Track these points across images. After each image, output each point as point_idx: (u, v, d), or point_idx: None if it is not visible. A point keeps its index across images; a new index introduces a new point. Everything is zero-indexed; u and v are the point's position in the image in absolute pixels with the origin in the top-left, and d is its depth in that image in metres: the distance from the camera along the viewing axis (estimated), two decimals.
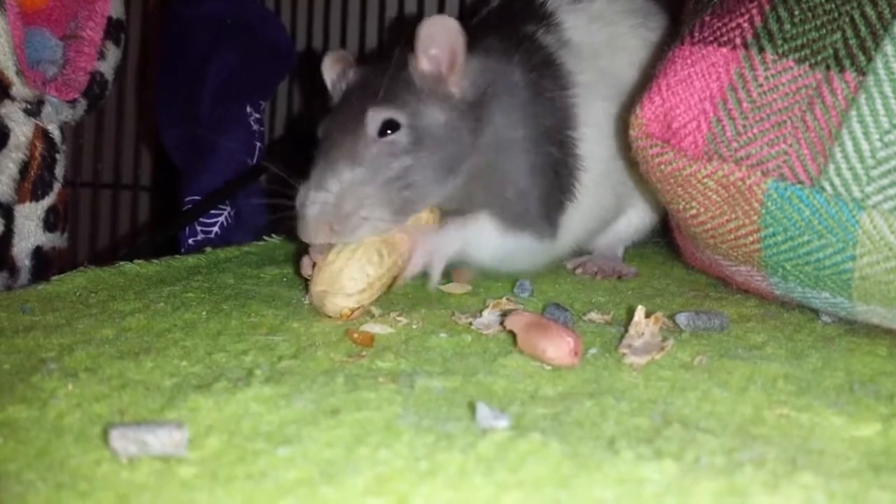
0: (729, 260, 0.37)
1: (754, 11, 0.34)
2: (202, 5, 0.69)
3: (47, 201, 0.55)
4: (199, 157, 0.62)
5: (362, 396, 0.26)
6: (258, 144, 0.64)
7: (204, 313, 0.36)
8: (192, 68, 0.65)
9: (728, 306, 0.40)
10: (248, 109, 0.65)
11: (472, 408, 0.25)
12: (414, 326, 0.35)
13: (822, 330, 0.36)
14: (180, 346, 0.32)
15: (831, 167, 0.31)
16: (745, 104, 0.33)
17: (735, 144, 0.33)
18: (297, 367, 0.29)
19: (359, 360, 0.30)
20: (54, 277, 0.41)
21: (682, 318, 0.36)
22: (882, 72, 0.31)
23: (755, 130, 0.33)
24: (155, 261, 0.45)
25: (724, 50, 0.34)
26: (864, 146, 0.30)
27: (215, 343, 0.32)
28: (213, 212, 0.60)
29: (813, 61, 0.32)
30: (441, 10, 1.06)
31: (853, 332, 0.35)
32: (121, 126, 1.24)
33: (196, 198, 0.61)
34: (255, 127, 0.66)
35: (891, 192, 0.30)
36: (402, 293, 0.41)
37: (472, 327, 0.35)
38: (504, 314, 0.35)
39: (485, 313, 0.36)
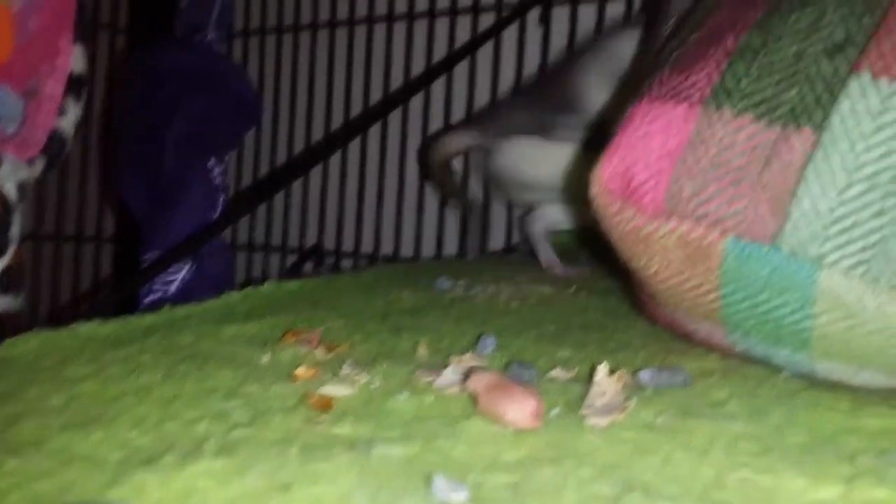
0: (690, 317, 0.37)
1: (712, 68, 0.35)
2: (166, 56, 0.69)
3: (0, 264, 0.54)
4: (161, 211, 0.61)
5: (317, 468, 0.26)
6: (221, 198, 0.64)
7: (159, 377, 0.36)
8: (154, 120, 0.64)
9: (691, 360, 0.40)
10: (212, 163, 0.65)
11: (430, 479, 0.25)
12: (374, 386, 0.35)
13: (783, 384, 0.36)
14: (131, 415, 0.31)
15: (789, 225, 0.31)
16: (703, 162, 0.33)
17: (694, 202, 0.33)
18: (251, 437, 0.29)
19: (316, 427, 0.30)
20: (6, 341, 0.40)
21: (644, 376, 0.36)
22: (838, 129, 0.31)
23: (713, 188, 0.33)
24: (111, 321, 0.44)
25: (683, 107, 0.35)
26: (822, 204, 0.31)
27: (168, 410, 0.31)
28: (172, 268, 0.59)
29: (770, 118, 0.33)
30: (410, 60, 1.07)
31: (815, 387, 0.35)
32: (84, 177, 1.23)
33: (155, 253, 0.60)
34: (219, 180, 0.65)
35: (848, 250, 0.30)
36: (364, 344, 0.41)
37: (434, 387, 0.34)
38: (467, 372, 0.35)
39: (446, 371, 0.35)
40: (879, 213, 0.30)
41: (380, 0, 1.09)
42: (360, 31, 1.11)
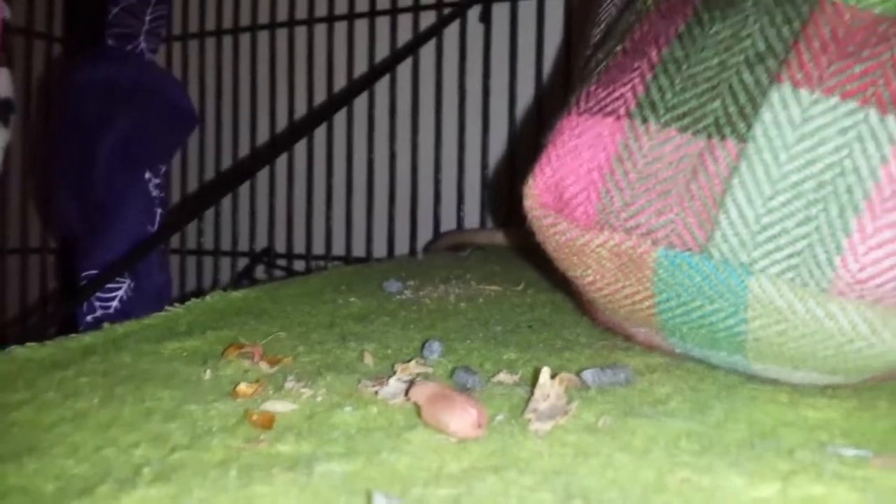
0: (629, 322, 0.37)
1: (637, 81, 0.35)
2: (96, 70, 0.67)
3: None
4: (96, 227, 0.60)
5: (255, 491, 0.25)
6: (158, 211, 0.62)
7: (96, 401, 0.35)
8: (85, 135, 0.63)
9: (635, 356, 0.40)
10: (147, 176, 0.63)
11: (371, 496, 0.24)
12: (318, 399, 0.34)
13: (724, 378, 0.36)
14: (68, 443, 0.30)
15: (718, 234, 0.31)
16: (631, 174, 0.34)
17: (624, 214, 0.33)
18: (190, 460, 0.28)
19: (257, 446, 0.29)
20: None
21: (587, 376, 0.36)
22: (761, 139, 0.31)
23: (643, 200, 0.33)
24: (48, 343, 0.43)
25: (609, 120, 0.35)
26: (749, 213, 0.31)
27: (105, 436, 0.31)
28: (111, 285, 0.58)
29: (695, 130, 0.33)
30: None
31: (755, 379, 0.36)
32: (25, 189, 1.20)
33: (94, 272, 0.59)
34: (155, 193, 0.64)
35: (776, 256, 0.30)
36: (309, 355, 0.40)
37: (379, 397, 0.34)
38: (413, 379, 0.35)
39: (391, 381, 0.35)
40: (805, 221, 0.30)
41: (319, 1, 1.08)
42: (301, 33, 1.10)
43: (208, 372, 0.38)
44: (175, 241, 1.15)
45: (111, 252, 0.56)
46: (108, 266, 0.56)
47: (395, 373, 0.36)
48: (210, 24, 1.17)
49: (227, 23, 1.15)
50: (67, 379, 0.38)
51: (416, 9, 1.01)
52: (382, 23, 1.04)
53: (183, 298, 0.52)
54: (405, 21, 1.02)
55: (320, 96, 1.08)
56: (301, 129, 1.03)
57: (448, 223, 0.99)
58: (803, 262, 0.30)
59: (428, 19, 1.00)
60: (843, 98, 0.30)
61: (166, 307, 0.50)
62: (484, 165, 0.97)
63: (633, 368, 0.37)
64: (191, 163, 1.16)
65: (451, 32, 0.98)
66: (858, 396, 0.33)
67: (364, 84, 0.98)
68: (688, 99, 0.33)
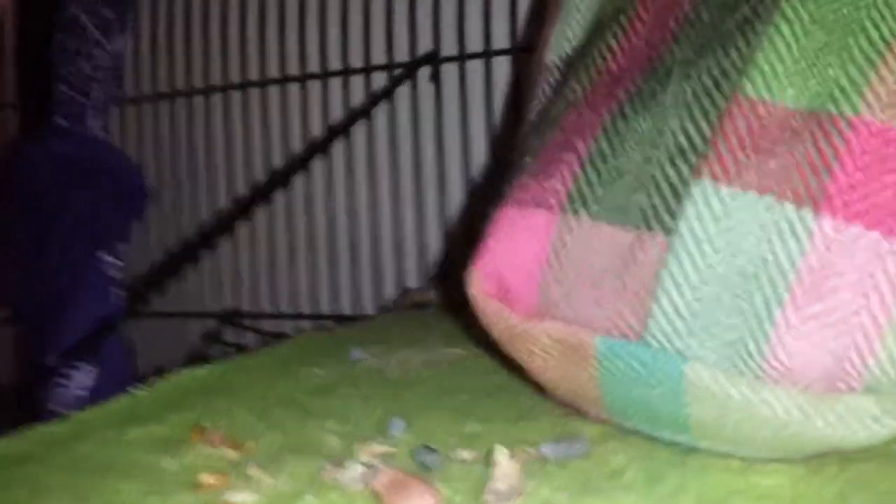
0: (578, 402, 0.38)
1: (567, 174, 0.36)
2: (50, 144, 0.67)
3: None
4: (51, 310, 0.60)
5: None
6: (115, 292, 0.63)
7: (66, 498, 0.35)
8: (39, 214, 0.63)
9: (591, 424, 0.41)
10: (103, 256, 0.64)
11: None
12: (280, 488, 0.35)
13: (678, 445, 0.37)
14: None
15: (652, 323, 0.33)
16: (567, 266, 0.35)
17: (563, 305, 0.35)
18: None
19: None
20: None
21: (545, 450, 0.37)
22: (686, 233, 0.33)
23: (579, 291, 0.35)
24: (13, 436, 0.43)
25: (543, 212, 0.36)
26: (680, 302, 0.32)
27: None
28: (71, 370, 0.58)
29: (624, 222, 0.34)
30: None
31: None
32: None
33: (52, 357, 0.59)
34: (111, 273, 0.64)
35: (710, 345, 0.32)
36: (271, 436, 0.41)
37: (340, 483, 0.35)
38: (373, 462, 0.36)
39: (351, 466, 0.36)
40: (734, 312, 0.31)
41: (271, 63, 1.10)
42: (255, 94, 1.11)
43: (171, 460, 0.38)
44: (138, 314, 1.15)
45: (69, 336, 0.56)
46: (69, 349, 0.56)
47: (355, 454, 0.37)
48: (163, 86, 1.18)
49: (181, 84, 1.16)
50: (33, 475, 0.38)
51: (367, 70, 1.03)
52: (335, 83, 1.06)
53: (154, 366, 0.53)
54: (357, 81, 1.04)
55: (277, 157, 1.09)
56: (260, 190, 1.04)
57: (412, 278, 1.01)
58: (735, 351, 0.31)
59: (380, 80, 1.02)
60: (761, 193, 0.32)
61: (129, 388, 0.50)
62: (442, 220, 0.99)
63: (589, 438, 0.38)
64: (151, 226, 1.16)
65: (404, 93, 1.00)
66: (806, 463, 0.34)
67: (320, 146, 0.99)
68: (615, 192, 0.35)
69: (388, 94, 0.99)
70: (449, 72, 0.99)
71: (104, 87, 0.74)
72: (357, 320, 1.01)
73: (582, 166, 0.36)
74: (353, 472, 0.35)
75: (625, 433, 0.39)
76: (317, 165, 1.05)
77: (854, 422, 0.30)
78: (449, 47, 0.99)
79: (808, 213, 0.31)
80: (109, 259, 0.63)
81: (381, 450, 0.37)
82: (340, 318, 1.05)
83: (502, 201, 0.39)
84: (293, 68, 1.08)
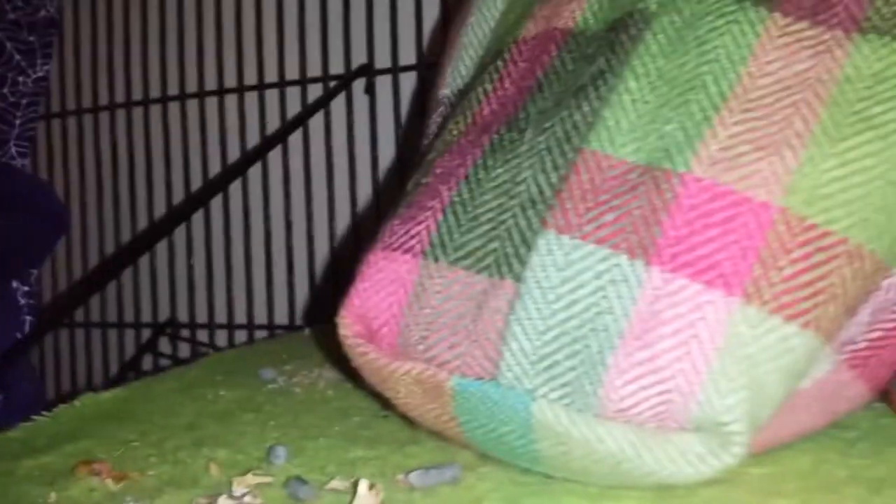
0: (446, 437, 0.40)
1: (430, 220, 0.38)
2: None
3: None
4: None
5: None
6: (27, 319, 0.64)
7: None
8: None
9: (464, 449, 0.43)
10: (15, 285, 0.64)
11: None
12: None
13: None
14: None
15: (503, 364, 0.35)
16: (426, 310, 0.37)
17: (421, 347, 0.37)
18: None
19: None
20: None
21: (413, 478, 0.39)
22: (532, 281, 0.35)
23: (436, 336, 0.36)
24: None
25: (407, 257, 0.38)
26: (527, 346, 0.34)
27: None
28: None
29: (478, 269, 0.36)
30: None
31: None
32: None
33: None
34: (24, 301, 0.65)
35: (553, 384, 0.34)
36: (157, 468, 0.42)
37: None
38: (250, 490, 0.37)
39: (223, 498, 0.37)
40: (573, 355, 0.33)
41: (209, 74, 1.10)
42: (192, 106, 1.11)
43: (53, 495, 0.40)
44: (80, 314, 1.15)
45: None
46: None
47: (232, 486, 0.38)
48: (103, 100, 1.18)
49: (120, 97, 1.17)
50: None
51: (302, 82, 1.04)
52: (271, 95, 1.07)
53: (89, 377, 0.53)
54: (294, 93, 1.05)
55: (214, 167, 1.10)
56: (197, 198, 1.04)
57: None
58: (574, 390, 0.33)
59: (315, 91, 1.04)
60: (599, 244, 0.34)
61: (34, 415, 0.51)
62: (377, 230, 1.00)
63: (464, 464, 0.40)
64: (90, 236, 1.17)
65: (339, 104, 1.01)
66: (658, 490, 0.36)
67: (257, 155, 1.00)
68: (472, 239, 0.37)
69: (323, 104, 1.00)
70: (383, 84, 1.00)
71: (28, 114, 0.74)
72: (292, 330, 1.02)
73: (444, 213, 0.38)
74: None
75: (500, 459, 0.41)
76: (254, 176, 1.06)
77: (680, 459, 0.32)
78: (383, 60, 1.01)
79: (639, 265, 0.33)
80: (22, 287, 0.64)
81: (257, 480, 0.39)
82: (274, 329, 1.06)
83: (373, 244, 0.40)
84: (231, 80, 1.09)
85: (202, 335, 1.10)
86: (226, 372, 0.63)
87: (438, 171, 0.41)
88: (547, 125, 0.38)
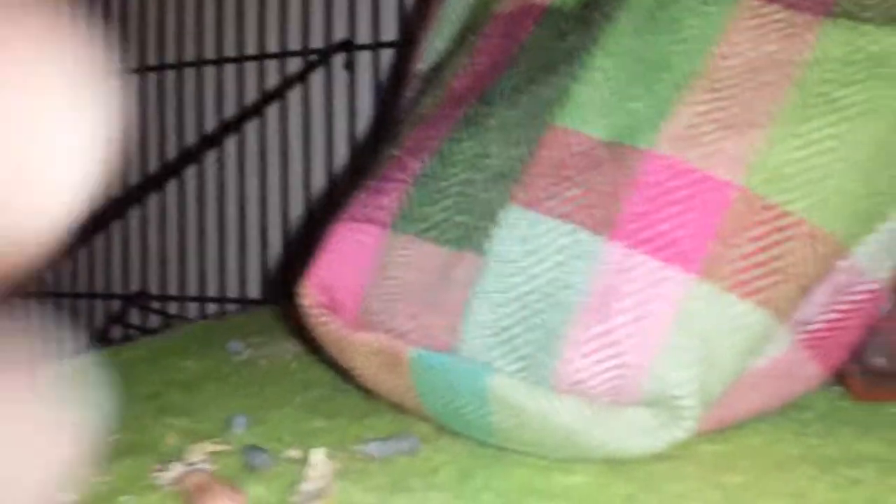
0: (406, 407, 0.40)
1: (397, 192, 0.38)
2: None
3: None
4: None
5: None
6: None
7: None
8: None
9: (427, 421, 0.43)
10: None
11: None
12: (100, 488, 0.36)
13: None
14: None
15: (462, 337, 0.35)
16: (389, 282, 0.37)
17: (382, 317, 0.37)
18: None
19: None
20: None
21: (371, 448, 0.39)
22: (494, 254, 0.35)
23: (398, 306, 0.36)
24: None
25: (373, 228, 0.38)
26: (487, 319, 0.34)
27: None
28: None
29: (443, 241, 0.36)
30: None
31: None
32: None
33: None
34: None
35: (511, 357, 0.34)
36: (120, 434, 0.42)
37: (159, 483, 0.36)
38: (201, 461, 0.37)
39: (175, 465, 0.37)
40: (532, 328, 0.33)
41: (188, 45, 1.09)
42: (170, 76, 1.10)
43: None
44: (50, 283, 1.15)
45: None
46: None
47: (187, 454, 0.38)
48: None
49: None
50: None
51: (282, 55, 1.03)
52: (251, 68, 1.06)
53: (61, 349, 0.53)
54: (272, 67, 1.05)
55: (191, 138, 1.09)
56: (172, 168, 1.04)
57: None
58: (531, 364, 0.33)
59: (294, 65, 1.03)
60: (561, 219, 0.34)
61: None
62: None
63: (421, 436, 0.40)
64: None
65: (318, 79, 1.01)
66: (608, 463, 0.36)
67: (234, 125, 0.99)
68: (437, 212, 0.37)
69: (301, 78, 0.99)
70: (363, 59, 1.00)
71: None
72: (264, 304, 1.02)
73: (412, 185, 0.38)
74: (175, 471, 0.36)
75: (457, 431, 0.42)
76: (230, 148, 1.05)
77: (631, 432, 0.32)
78: (363, 36, 1.00)
79: (600, 240, 0.33)
80: None
81: (213, 448, 0.39)
82: (246, 303, 1.06)
83: (339, 216, 0.40)
84: (210, 52, 1.08)
85: (173, 307, 1.10)
86: (192, 344, 0.63)
87: (408, 144, 0.41)
88: (518, 100, 0.38)
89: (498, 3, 0.45)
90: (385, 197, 0.39)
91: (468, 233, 0.36)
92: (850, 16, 0.35)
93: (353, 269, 0.38)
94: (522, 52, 0.40)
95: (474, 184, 0.37)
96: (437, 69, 0.48)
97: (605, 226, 0.33)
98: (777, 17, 0.35)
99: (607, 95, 0.36)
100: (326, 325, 0.38)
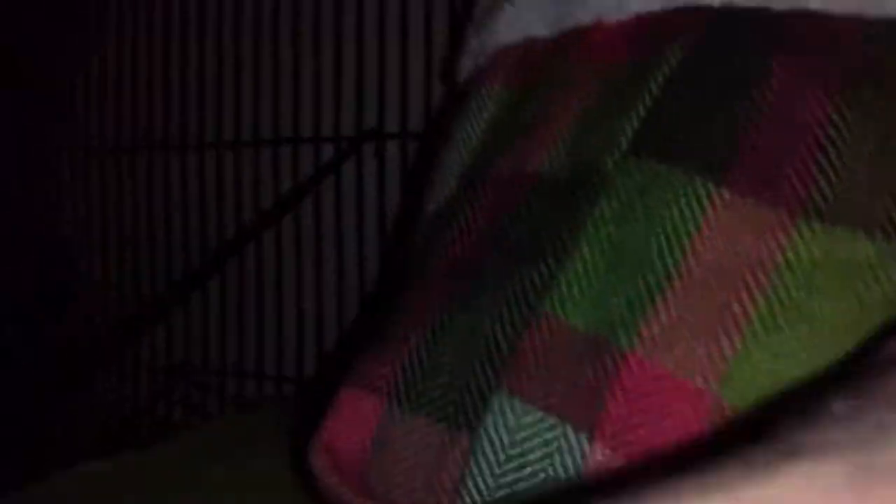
0: None
1: (397, 363, 0.41)
2: None
3: None
4: None
5: None
6: None
7: None
8: None
9: None
10: None
11: None
12: None
13: None
14: None
15: None
16: (388, 456, 0.39)
17: (382, 489, 0.39)
18: None
19: None
20: None
21: None
22: (485, 439, 0.37)
23: (397, 480, 0.39)
24: None
25: (374, 398, 0.40)
26: (478, 500, 0.36)
27: None
28: None
29: (438, 417, 0.38)
30: None
31: None
32: None
33: None
34: None
35: None
36: None
37: None
38: None
39: None
40: None
41: (227, 126, 1.14)
42: (211, 157, 1.15)
43: None
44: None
45: None
46: None
47: None
48: (125, 142, 1.22)
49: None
50: None
51: (316, 140, 1.07)
52: (285, 152, 1.10)
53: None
54: (307, 150, 1.08)
55: (229, 220, 1.13)
56: (215, 262, 1.08)
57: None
58: None
59: (327, 151, 1.06)
60: (546, 412, 0.36)
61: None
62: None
63: None
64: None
65: (349, 168, 1.04)
66: None
67: (270, 218, 1.04)
68: (433, 388, 0.39)
69: (332, 168, 1.03)
70: (392, 149, 1.03)
71: None
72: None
73: (410, 357, 0.41)
74: None
75: None
76: (266, 237, 1.09)
77: None
78: (392, 123, 1.03)
79: (584, 439, 0.35)
80: None
81: None
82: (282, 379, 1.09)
83: (346, 378, 0.43)
84: (247, 134, 1.12)
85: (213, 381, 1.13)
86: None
87: (410, 308, 0.43)
88: (507, 280, 0.40)
89: (499, 162, 0.46)
90: (384, 367, 0.41)
91: (462, 411, 0.38)
92: (822, 216, 0.36)
93: (356, 438, 0.40)
94: (513, 224, 0.42)
95: (466, 361, 0.39)
96: (440, 218, 0.49)
97: (588, 425, 0.35)
98: (751, 212, 0.36)
99: (589, 286, 0.37)
100: (336, 487, 0.41)
